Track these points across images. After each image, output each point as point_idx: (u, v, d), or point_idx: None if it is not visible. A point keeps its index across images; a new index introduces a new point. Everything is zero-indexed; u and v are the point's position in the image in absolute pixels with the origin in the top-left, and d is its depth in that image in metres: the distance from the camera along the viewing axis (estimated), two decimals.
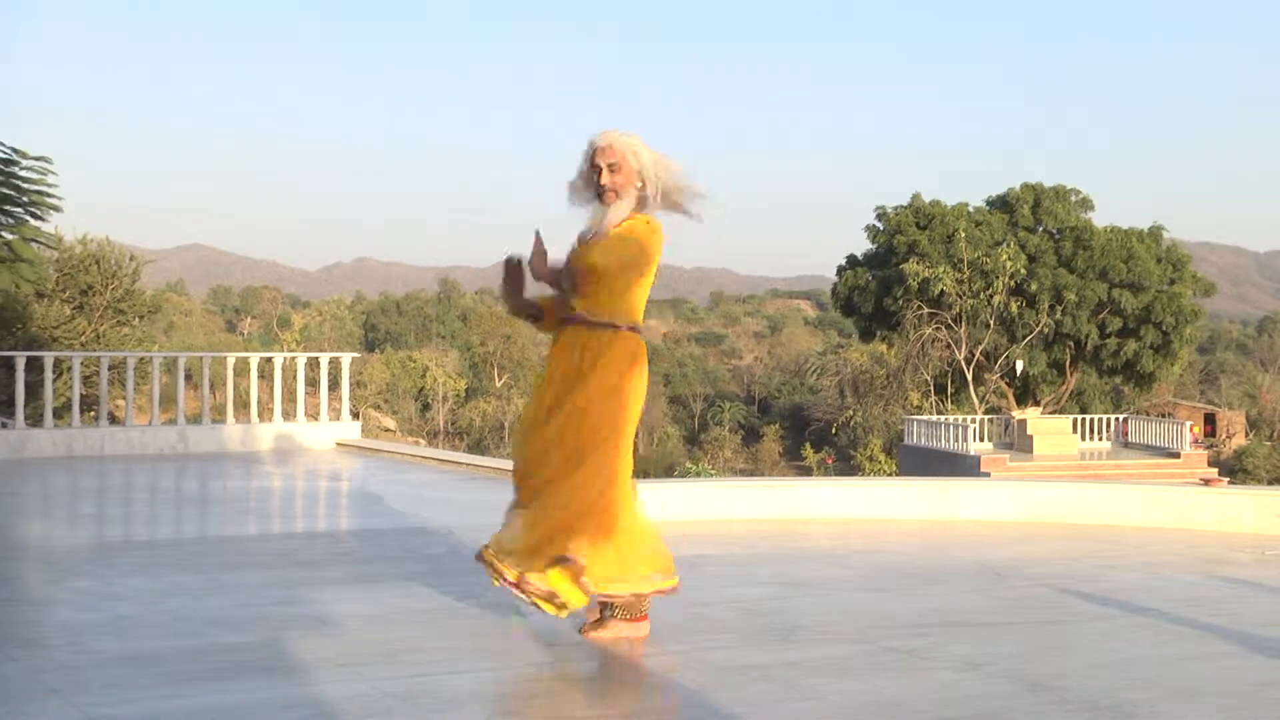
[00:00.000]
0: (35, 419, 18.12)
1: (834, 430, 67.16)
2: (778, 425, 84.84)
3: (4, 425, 16.85)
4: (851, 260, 50.69)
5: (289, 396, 36.35)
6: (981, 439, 39.06)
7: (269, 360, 18.29)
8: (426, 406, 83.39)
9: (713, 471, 51.90)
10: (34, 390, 22.21)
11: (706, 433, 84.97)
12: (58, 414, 21.93)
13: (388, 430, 74.15)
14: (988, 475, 30.66)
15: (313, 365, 23.28)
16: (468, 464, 13.63)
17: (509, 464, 14.06)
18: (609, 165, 4.84)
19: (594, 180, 4.88)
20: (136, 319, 33.57)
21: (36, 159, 21.77)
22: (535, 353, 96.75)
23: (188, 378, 31.12)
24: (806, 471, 68.18)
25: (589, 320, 4.87)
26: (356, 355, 20.27)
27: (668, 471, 58.30)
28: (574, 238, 5.00)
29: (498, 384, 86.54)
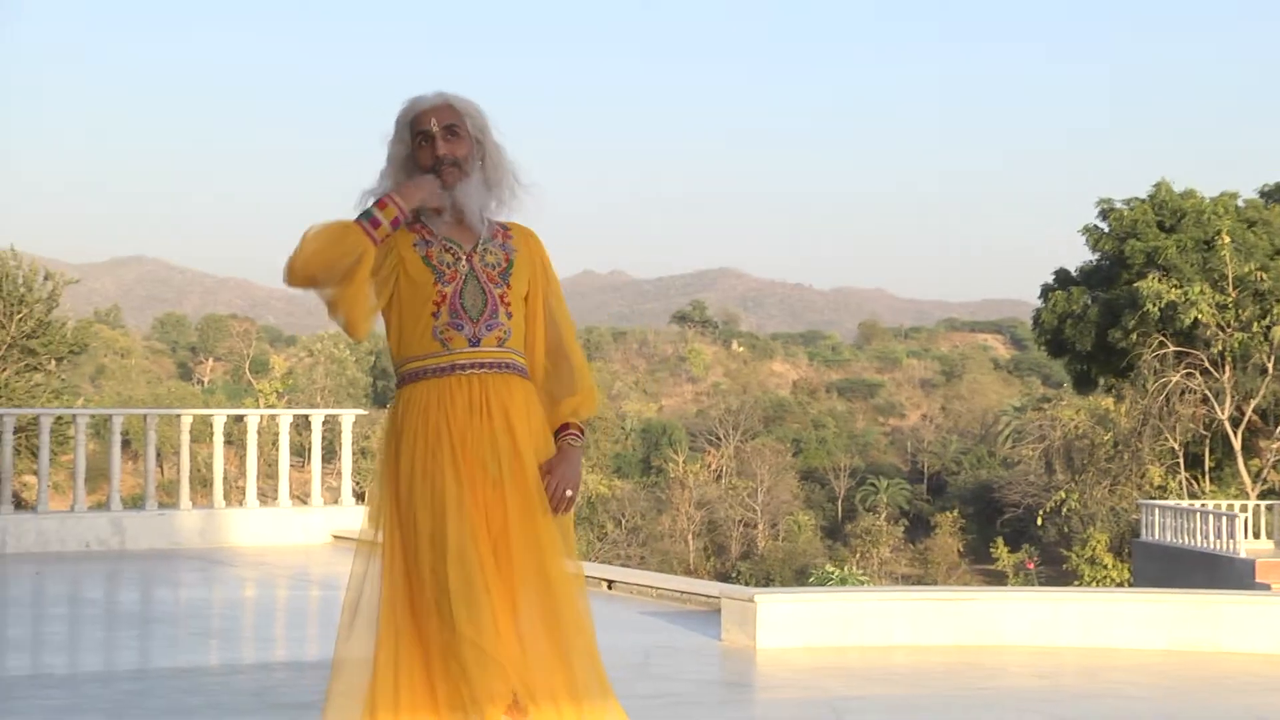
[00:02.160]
0: None
1: (1038, 521, 66.32)
2: (956, 512, 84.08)
3: None
4: (1062, 277, 50.22)
5: (267, 471, 36.73)
6: (1257, 534, 38.40)
7: (239, 420, 18.46)
8: None
9: (864, 578, 51.48)
10: None
11: (854, 522, 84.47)
12: None
13: None
14: (1267, 587, 30.05)
15: (300, 427, 23.51)
16: None
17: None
18: (446, 128, 4.69)
19: (418, 155, 4.71)
20: (53, 362, 34.11)
21: None
22: (612, 407, 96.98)
23: (125, 444, 31.45)
24: (999, 579, 67.37)
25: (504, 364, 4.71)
26: (362, 412, 20.39)
27: (799, 578, 57.84)
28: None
29: None
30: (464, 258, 4.64)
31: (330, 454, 29.59)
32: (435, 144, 4.64)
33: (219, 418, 17.15)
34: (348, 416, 17.81)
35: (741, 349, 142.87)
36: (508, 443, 4.54)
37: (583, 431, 4.75)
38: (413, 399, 4.59)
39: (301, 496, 19.27)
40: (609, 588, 12.32)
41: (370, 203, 4.53)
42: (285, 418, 17.68)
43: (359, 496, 17.60)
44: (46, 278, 33.89)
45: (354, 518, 16.67)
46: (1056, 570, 63.13)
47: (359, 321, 4.56)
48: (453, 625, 4.36)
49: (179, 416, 17.22)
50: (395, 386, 4.69)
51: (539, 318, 4.77)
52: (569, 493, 4.57)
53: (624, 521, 74.67)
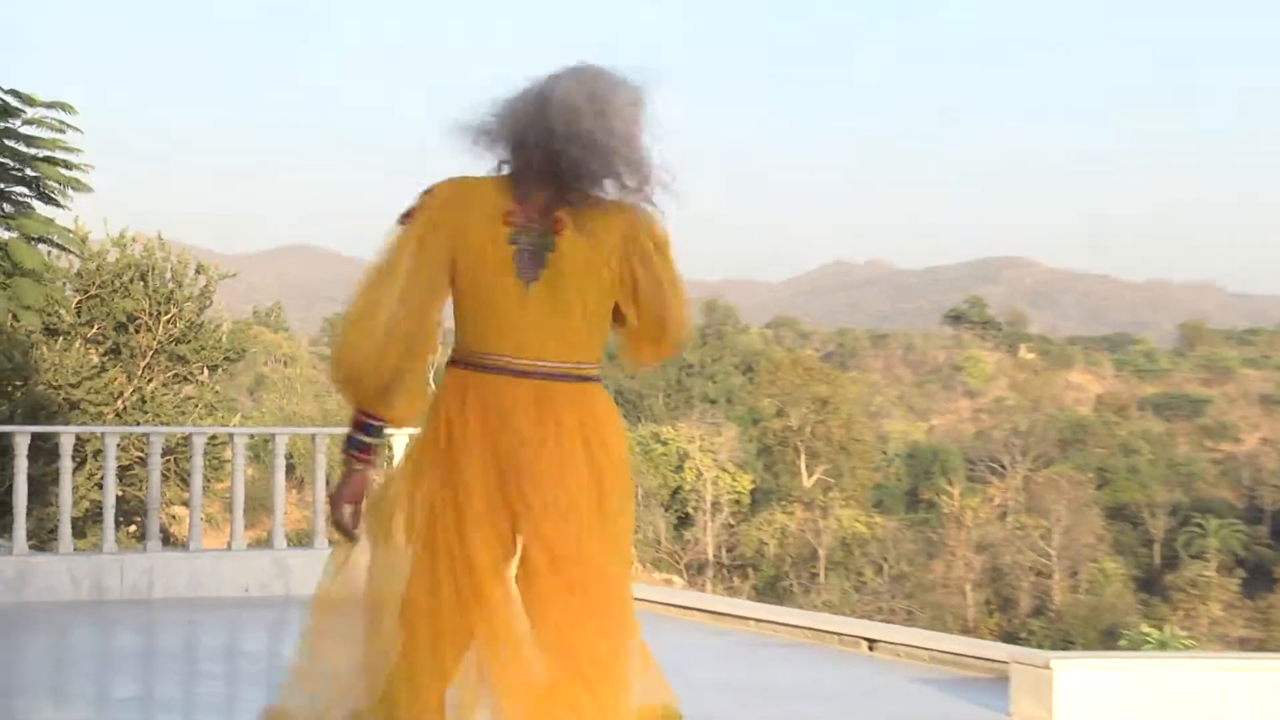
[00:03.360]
0: (43, 538, 18.94)
1: None
2: None
3: None
4: None
5: None
6: None
7: None
8: (685, 519, 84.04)
9: (1190, 641, 50.66)
10: (41, 489, 23.19)
11: (1175, 572, 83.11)
12: (79, 529, 22.81)
13: None
14: None
15: None
16: (759, 619, 13.62)
17: (827, 619, 14.02)
18: None
19: None
20: (206, 371, 34.76)
21: (49, 105, 22.94)
22: (870, 427, 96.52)
23: (289, 470, 31.80)
24: None
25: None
26: None
27: (1106, 640, 57.04)
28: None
29: (806, 482, 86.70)
30: None
31: None
32: None
33: (399, 438, 17.29)
34: None
35: (1031, 355, 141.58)
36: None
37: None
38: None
39: None
40: (870, 648, 12.26)
41: None
42: None
43: None
44: (198, 271, 34.44)
45: None
46: None
47: None
48: None
49: None
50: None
51: None
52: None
53: (886, 568, 74.37)
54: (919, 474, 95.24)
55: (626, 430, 5.15)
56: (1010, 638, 63.95)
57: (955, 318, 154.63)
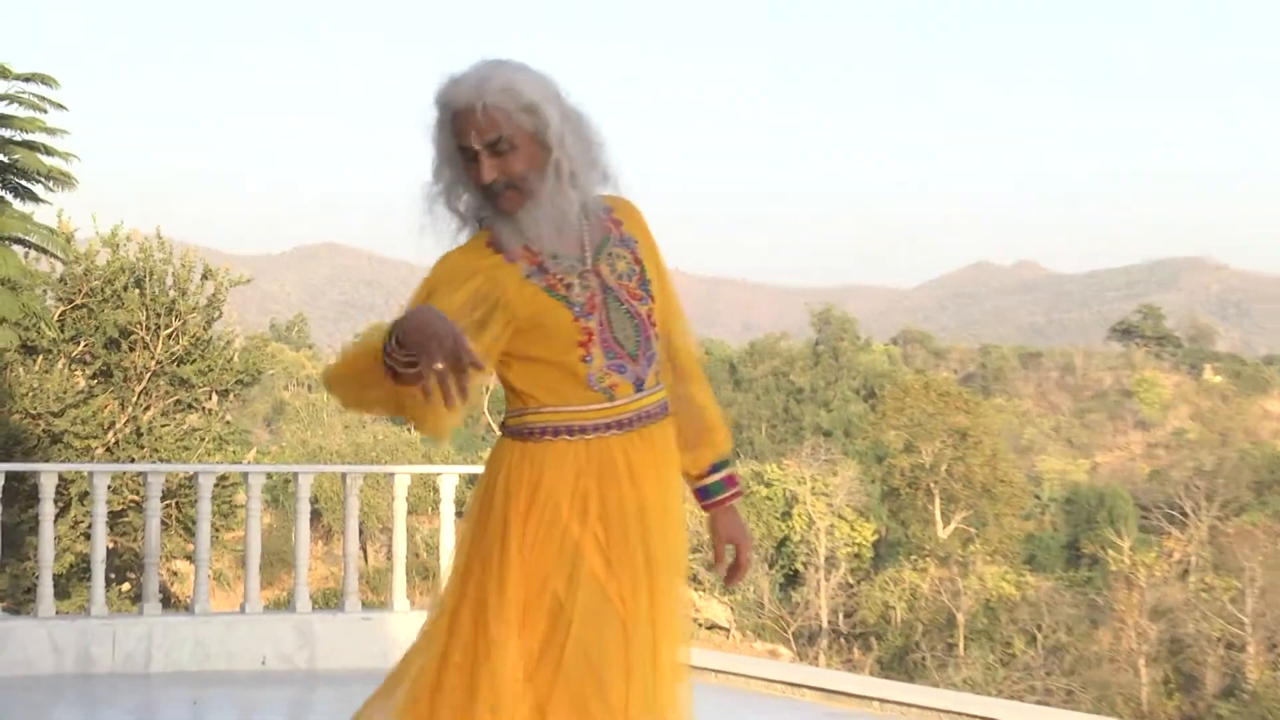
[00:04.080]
0: (19, 598, 19.09)
1: None
2: None
3: None
4: None
5: None
6: None
7: (474, 482, 18.69)
8: (793, 578, 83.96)
9: None
10: (16, 540, 23.34)
11: None
12: (62, 588, 22.96)
13: (714, 629, 74.86)
14: None
15: None
16: (885, 699, 13.59)
17: (967, 700, 14.01)
18: (490, 145, 4.91)
19: (465, 168, 4.98)
20: (214, 397, 34.86)
21: (26, 78, 23.22)
22: (1020, 466, 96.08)
23: (314, 517, 31.84)
24: None
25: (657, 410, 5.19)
26: None
27: None
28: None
29: (942, 532, 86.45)
30: (591, 274, 4.97)
31: None
32: (480, 165, 4.90)
33: (447, 479, 17.19)
34: None
35: (1219, 378, 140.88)
36: (660, 510, 5.02)
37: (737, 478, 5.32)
38: (564, 457, 4.96)
39: None
40: None
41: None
42: None
43: None
44: (206, 276, 34.42)
45: None
46: None
47: (445, 433, 4.89)
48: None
49: (390, 476, 17.27)
50: (510, 436, 5.07)
51: (662, 321, 5.17)
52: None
53: (1040, 637, 74.07)
54: (1080, 523, 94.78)
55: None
56: None
57: (1124, 332, 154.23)
